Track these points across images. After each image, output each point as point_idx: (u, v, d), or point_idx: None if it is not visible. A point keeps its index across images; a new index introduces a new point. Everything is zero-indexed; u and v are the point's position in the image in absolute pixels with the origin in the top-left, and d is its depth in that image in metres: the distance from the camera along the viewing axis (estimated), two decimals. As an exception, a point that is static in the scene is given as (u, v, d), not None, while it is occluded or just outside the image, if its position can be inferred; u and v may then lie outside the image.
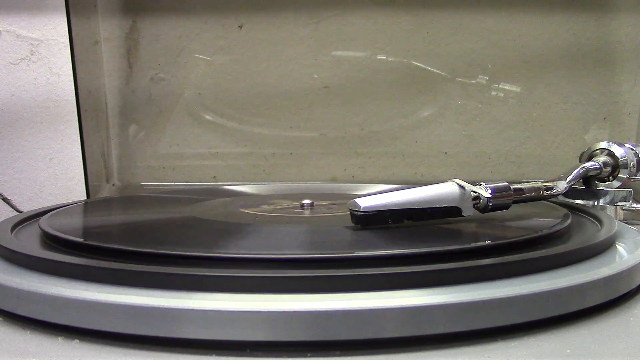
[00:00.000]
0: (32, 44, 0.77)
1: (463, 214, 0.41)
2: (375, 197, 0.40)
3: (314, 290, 0.29)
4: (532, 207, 0.48)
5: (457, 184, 0.41)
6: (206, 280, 0.29)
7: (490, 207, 0.42)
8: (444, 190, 0.41)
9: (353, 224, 0.40)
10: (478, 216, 0.42)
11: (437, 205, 0.40)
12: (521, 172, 0.77)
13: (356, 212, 0.39)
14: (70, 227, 0.44)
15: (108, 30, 0.77)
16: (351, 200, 0.40)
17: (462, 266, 0.31)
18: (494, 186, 0.42)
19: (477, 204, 0.42)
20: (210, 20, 0.76)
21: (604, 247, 0.38)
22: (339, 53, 0.76)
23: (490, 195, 0.42)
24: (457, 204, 0.41)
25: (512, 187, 0.43)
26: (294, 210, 0.50)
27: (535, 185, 0.45)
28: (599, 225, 0.43)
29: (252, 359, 0.27)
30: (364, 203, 0.39)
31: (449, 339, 0.28)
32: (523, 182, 0.45)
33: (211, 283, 0.29)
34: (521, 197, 0.44)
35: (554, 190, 0.47)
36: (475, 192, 0.41)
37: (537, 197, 0.45)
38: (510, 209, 0.43)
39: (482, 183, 0.42)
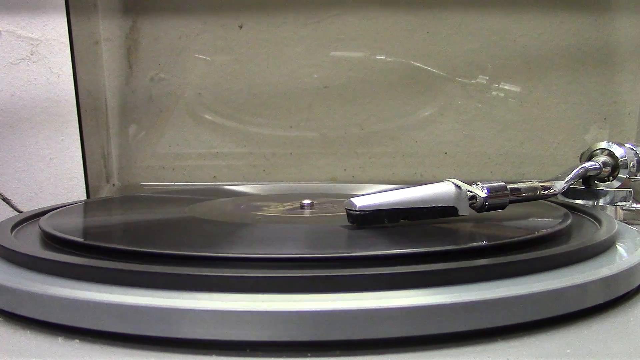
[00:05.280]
0: (32, 44, 0.77)
1: (459, 213, 0.41)
2: (371, 196, 0.40)
3: (314, 290, 0.29)
4: (532, 207, 0.48)
5: (454, 183, 0.41)
6: (206, 280, 0.29)
7: (486, 207, 0.42)
8: (440, 190, 0.41)
9: (349, 224, 0.40)
10: (477, 216, 0.42)
11: (434, 205, 0.40)
12: (521, 172, 0.77)
13: (352, 212, 0.39)
14: (70, 227, 0.44)
15: (108, 30, 0.77)
16: (347, 200, 0.40)
17: (463, 266, 0.31)
18: (490, 186, 0.42)
19: (473, 203, 0.42)
20: (210, 20, 0.76)
21: (604, 247, 0.38)
22: (338, 53, 0.76)
23: (486, 195, 0.42)
24: (453, 203, 0.41)
25: (508, 186, 0.43)
26: (294, 210, 0.50)
27: (532, 185, 0.45)
28: (598, 225, 0.43)
29: (252, 359, 0.27)
30: (360, 202, 0.39)
31: (449, 339, 0.28)
32: (520, 182, 0.45)
33: (211, 283, 0.29)
34: (518, 197, 0.44)
35: (552, 190, 0.46)
36: (471, 191, 0.41)
37: (534, 196, 0.45)
38: (510, 209, 0.43)
39: (479, 183, 0.42)
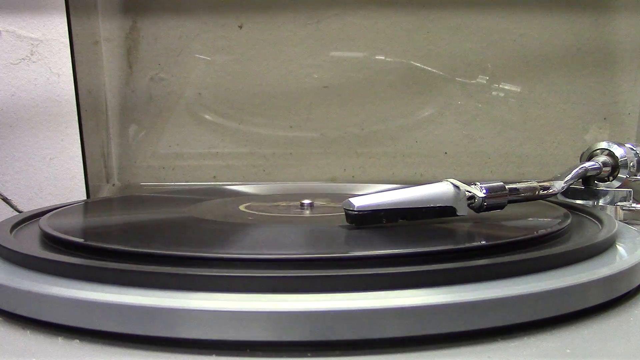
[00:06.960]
0: (32, 44, 0.77)
1: (458, 213, 0.41)
2: (369, 196, 0.40)
3: (313, 290, 0.29)
4: (532, 207, 0.48)
5: (452, 183, 0.41)
6: (206, 280, 0.29)
7: (485, 207, 0.42)
8: (439, 190, 0.41)
9: (348, 224, 0.40)
10: (476, 216, 0.42)
11: (432, 205, 0.40)
12: (521, 172, 0.77)
13: (350, 212, 0.39)
14: (70, 227, 0.44)
15: (108, 30, 0.77)
16: (346, 200, 0.40)
17: (463, 266, 0.31)
18: (489, 186, 0.42)
19: (472, 203, 0.42)
20: (210, 20, 0.76)
21: (604, 247, 0.38)
22: (338, 53, 0.76)
23: (484, 195, 0.41)
24: (451, 203, 0.41)
25: (507, 186, 0.43)
26: (294, 210, 0.50)
27: (530, 184, 0.45)
28: (599, 225, 0.43)
29: (252, 359, 0.27)
30: (358, 202, 0.39)
31: (449, 339, 0.28)
32: (519, 182, 0.45)
33: (211, 283, 0.29)
34: (516, 197, 0.44)
35: (550, 190, 0.46)
36: (470, 191, 0.41)
37: (532, 196, 0.45)
38: (510, 209, 0.43)
39: (477, 183, 0.42)
